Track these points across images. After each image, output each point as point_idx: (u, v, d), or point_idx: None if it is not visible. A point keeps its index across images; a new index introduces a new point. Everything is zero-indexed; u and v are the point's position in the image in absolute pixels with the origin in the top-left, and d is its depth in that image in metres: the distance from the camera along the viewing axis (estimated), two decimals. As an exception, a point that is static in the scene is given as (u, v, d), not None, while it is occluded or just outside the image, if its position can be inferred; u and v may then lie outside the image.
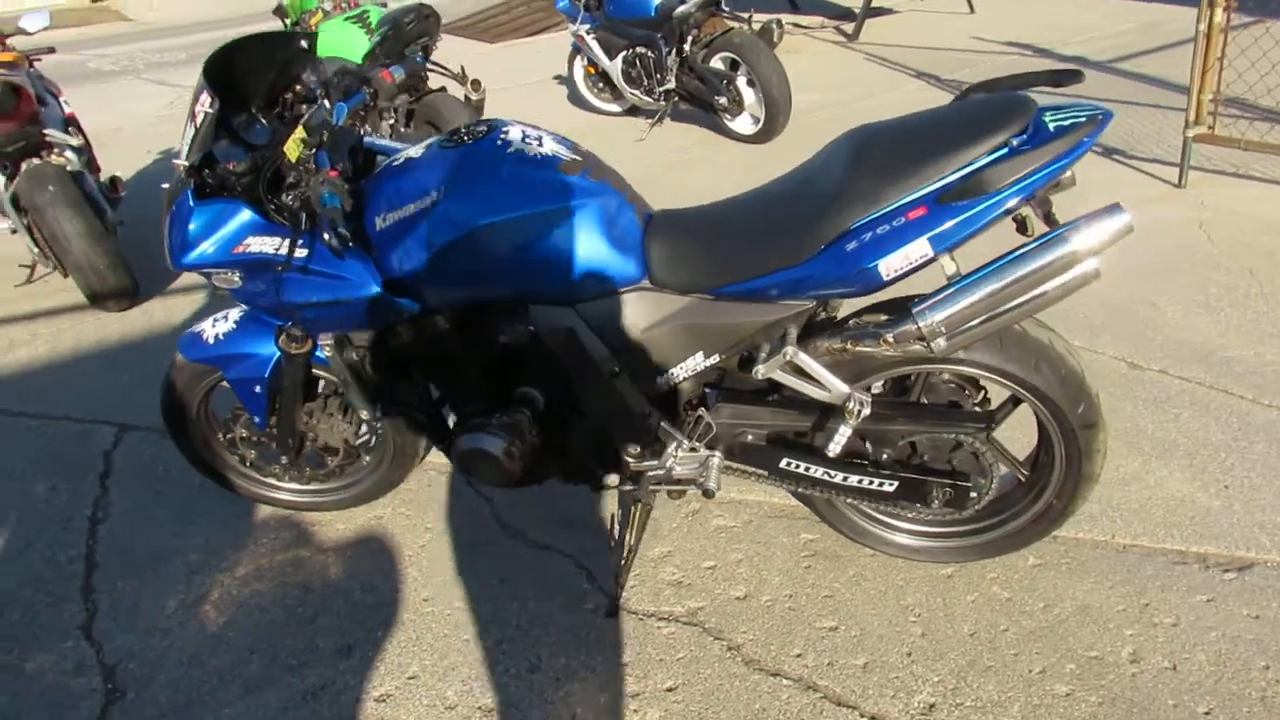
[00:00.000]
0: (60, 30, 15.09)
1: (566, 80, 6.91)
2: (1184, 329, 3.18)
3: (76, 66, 11.76)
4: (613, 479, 2.21)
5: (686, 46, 5.49)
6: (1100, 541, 2.30)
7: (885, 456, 2.05)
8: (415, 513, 2.61)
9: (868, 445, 2.06)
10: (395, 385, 2.19)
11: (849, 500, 2.16)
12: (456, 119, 4.55)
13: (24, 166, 3.88)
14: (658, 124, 6.01)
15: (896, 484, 2.03)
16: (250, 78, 2.11)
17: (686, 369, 1.97)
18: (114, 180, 4.30)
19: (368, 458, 2.50)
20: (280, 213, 1.96)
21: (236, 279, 2.05)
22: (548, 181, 1.90)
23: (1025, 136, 1.69)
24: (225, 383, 2.33)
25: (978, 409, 2.02)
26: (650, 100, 5.93)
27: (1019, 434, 2.18)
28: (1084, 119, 1.69)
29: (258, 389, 2.28)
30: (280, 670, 2.14)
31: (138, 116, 8.36)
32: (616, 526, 2.41)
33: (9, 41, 4.69)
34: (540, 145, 1.97)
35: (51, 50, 4.95)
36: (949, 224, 1.70)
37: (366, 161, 2.14)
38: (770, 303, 1.86)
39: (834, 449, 1.93)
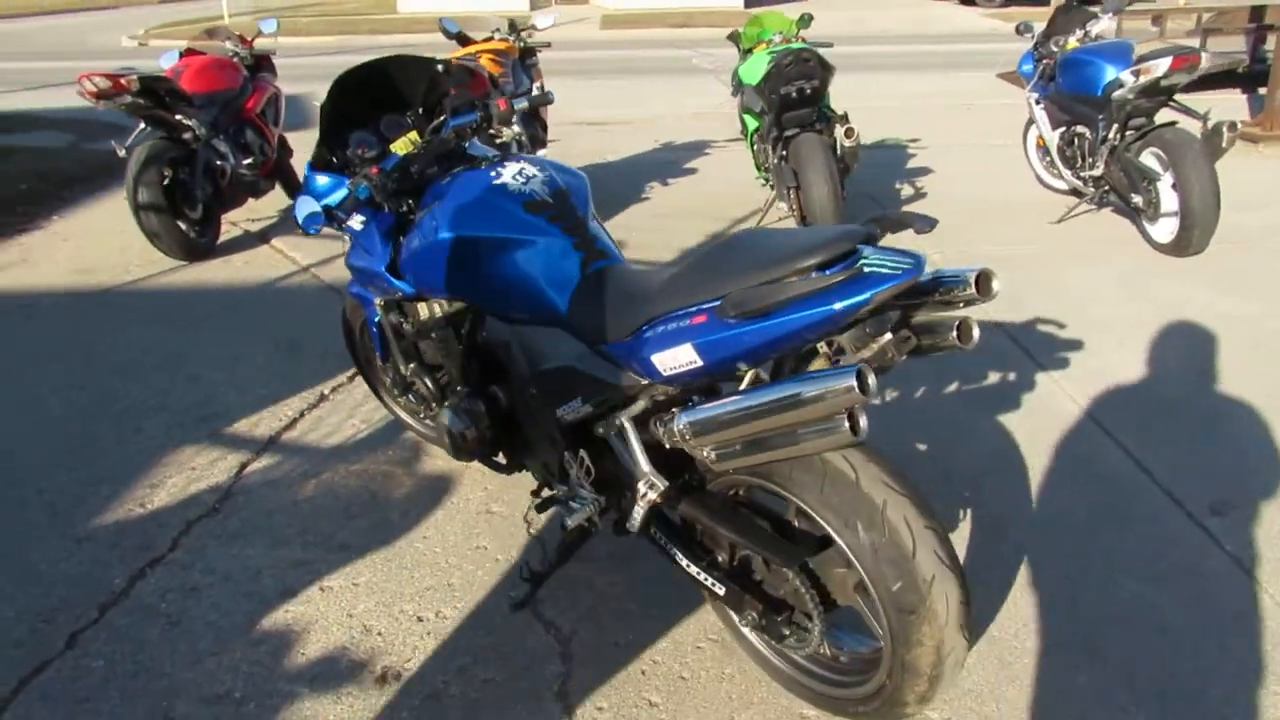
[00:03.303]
0: (701, 29, 17.48)
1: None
2: None
3: (684, 61, 13.62)
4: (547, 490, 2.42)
5: (1114, 133, 4.96)
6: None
7: (720, 558, 2.01)
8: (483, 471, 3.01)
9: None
10: (418, 352, 2.62)
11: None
12: (811, 160, 4.74)
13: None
14: (1089, 209, 5.51)
15: (724, 589, 1.99)
16: (406, 88, 2.65)
17: (570, 409, 2.12)
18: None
19: None
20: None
21: (345, 237, 2.64)
22: (507, 213, 2.18)
23: (833, 269, 1.59)
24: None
25: (790, 541, 1.88)
26: (1079, 184, 5.47)
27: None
28: (888, 267, 1.55)
29: (374, 328, 2.87)
30: (299, 543, 2.73)
31: (682, 109, 9.57)
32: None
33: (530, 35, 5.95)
34: (525, 184, 2.24)
35: (548, 45, 6.10)
36: (717, 337, 1.67)
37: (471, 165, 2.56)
38: (623, 369, 1.95)
39: (631, 524, 1.97)
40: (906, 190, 6.40)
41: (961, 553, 2.61)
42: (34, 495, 3.00)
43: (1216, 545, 2.63)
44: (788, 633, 1.94)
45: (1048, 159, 6.02)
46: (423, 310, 2.49)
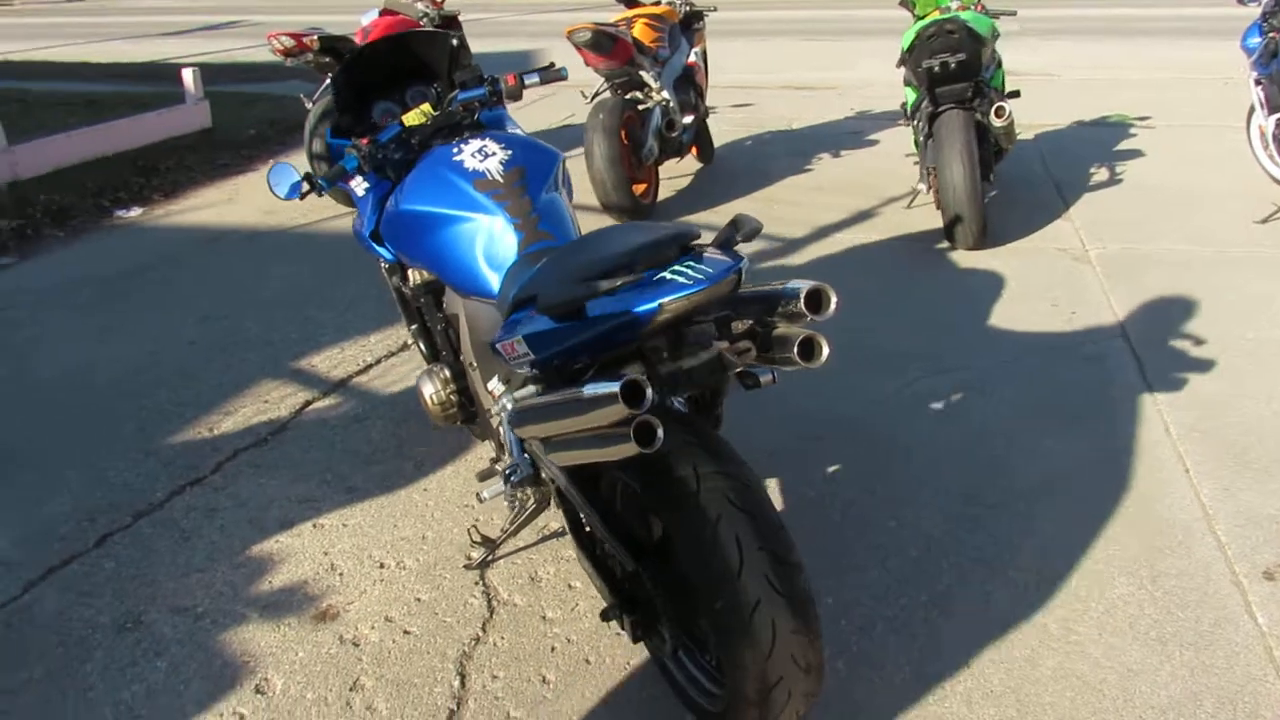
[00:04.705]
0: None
1: None
2: None
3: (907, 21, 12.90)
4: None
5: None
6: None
7: (596, 551, 1.99)
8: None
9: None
10: (421, 314, 2.72)
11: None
12: (950, 140, 4.44)
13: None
14: (1297, 208, 4.81)
15: (596, 580, 1.97)
16: (432, 61, 2.73)
17: (493, 385, 2.15)
18: (670, 122, 5.24)
19: None
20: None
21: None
22: (455, 191, 2.22)
23: (647, 274, 1.54)
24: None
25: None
26: (1289, 178, 4.77)
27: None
28: (687, 275, 1.48)
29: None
30: (317, 480, 2.95)
31: (895, 74, 9.06)
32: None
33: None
34: (481, 161, 2.26)
35: (714, 9, 6.02)
36: (541, 331, 1.65)
37: None
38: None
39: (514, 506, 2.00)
40: (1100, 175, 5.83)
41: (943, 583, 2.42)
42: (134, 410, 3.42)
43: (1247, 613, 2.28)
44: (639, 634, 1.90)
45: (1270, 148, 5.29)
46: (413, 276, 2.60)
